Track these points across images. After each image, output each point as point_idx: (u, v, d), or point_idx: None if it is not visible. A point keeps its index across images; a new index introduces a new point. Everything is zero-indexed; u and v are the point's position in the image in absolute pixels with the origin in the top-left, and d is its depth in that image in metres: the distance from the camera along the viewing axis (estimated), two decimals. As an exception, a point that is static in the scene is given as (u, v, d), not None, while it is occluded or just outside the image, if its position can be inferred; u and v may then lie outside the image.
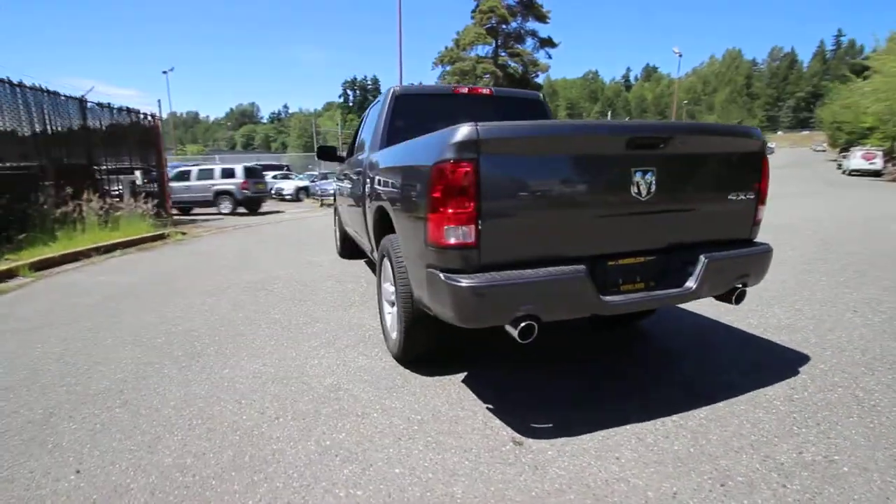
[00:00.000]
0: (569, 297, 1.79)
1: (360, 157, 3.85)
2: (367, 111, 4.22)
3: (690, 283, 1.99)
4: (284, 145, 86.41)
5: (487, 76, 18.60)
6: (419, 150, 1.95)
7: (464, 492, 1.60)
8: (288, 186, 19.75)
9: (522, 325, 1.72)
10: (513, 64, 18.99)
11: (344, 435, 1.96)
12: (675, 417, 2.05)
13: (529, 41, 19.07)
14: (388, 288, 2.82)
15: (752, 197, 2.18)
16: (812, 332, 2.98)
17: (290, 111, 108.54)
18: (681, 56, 30.74)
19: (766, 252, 2.19)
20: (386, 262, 2.72)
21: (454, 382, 2.41)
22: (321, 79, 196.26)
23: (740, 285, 2.12)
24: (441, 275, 1.76)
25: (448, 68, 19.98)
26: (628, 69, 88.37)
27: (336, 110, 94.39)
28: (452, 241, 1.73)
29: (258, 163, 23.70)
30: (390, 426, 2.02)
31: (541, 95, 3.78)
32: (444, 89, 3.55)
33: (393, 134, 3.27)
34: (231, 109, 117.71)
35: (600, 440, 1.89)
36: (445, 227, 1.73)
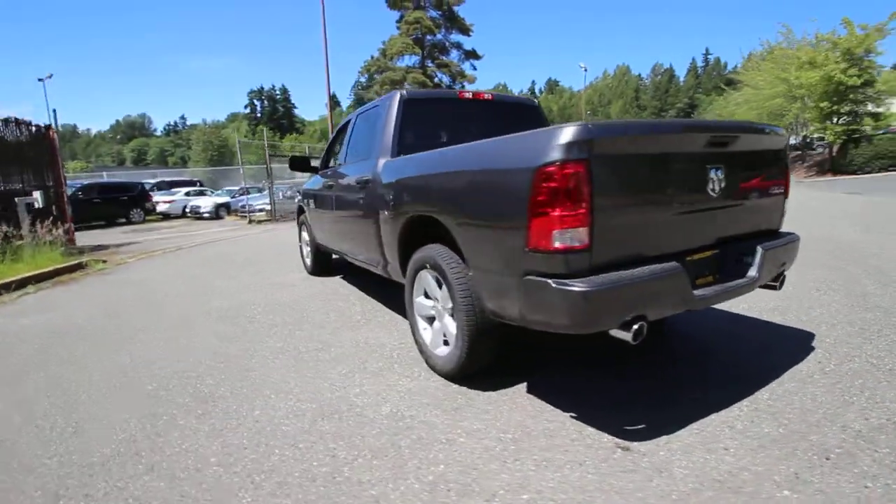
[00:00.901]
0: (672, 294, 1.80)
1: (353, 167, 3.61)
2: (353, 118, 3.98)
3: (753, 273, 2.10)
4: (184, 159, 79.33)
5: (415, 86, 18.70)
6: (507, 152, 1.85)
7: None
8: (205, 203, 18.09)
9: (636, 326, 1.69)
10: (441, 75, 19.29)
11: (443, 467, 1.78)
12: (745, 403, 2.14)
13: (455, 53, 19.59)
14: (424, 302, 2.66)
15: (781, 191, 2.38)
16: (798, 311, 3.32)
17: (188, 122, 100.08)
18: (586, 70, 33.45)
19: (797, 240, 2.40)
20: (425, 275, 2.57)
21: (519, 394, 2.32)
22: (223, 88, 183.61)
23: (783, 271, 2.29)
24: (551, 282, 1.68)
25: (378, 77, 19.68)
26: (533, 82, 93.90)
27: (241, 121, 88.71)
28: (563, 245, 1.66)
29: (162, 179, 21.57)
30: (486, 449, 1.88)
31: (536, 101, 3.84)
32: (449, 94, 3.47)
33: (403, 140, 3.12)
34: (117, 121, 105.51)
35: (696, 433, 1.92)
36: (555, 232, 1.65)
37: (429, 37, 18.14)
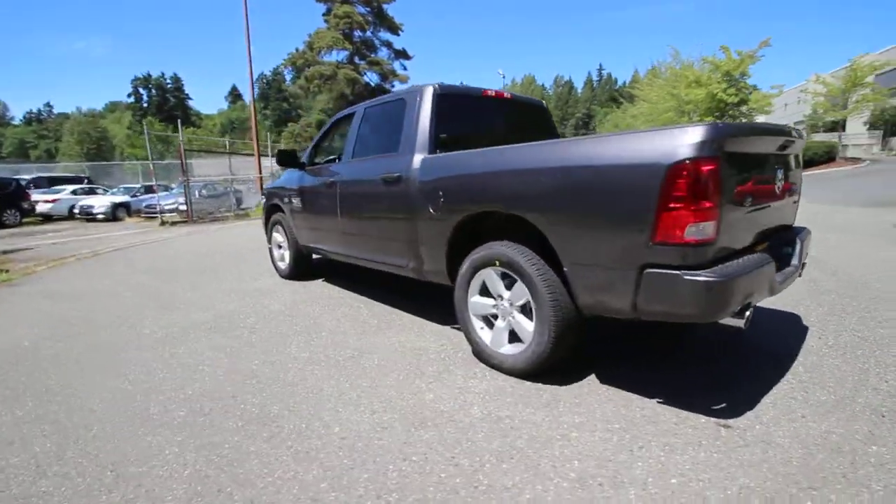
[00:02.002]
0: (768, 282, 1.98)
1: (369, 164, 3.43)
2: (359, 110, 3.76)
3: (795, 261, 2.38)
4: (51, 152, 68.13)
5: (340, 83, 17.94)
6: (628, 149, 1.89)
7: (749, 481, 1.64)
8: (99, 203, 15.76)
9: (748, 312, 1.84)
10: (370, 74, 18.77)
11: (577, 462, 1.78)
12: (789, 377, 2.42)
13: (384, 51, 19.19)
14: (482, 301, 2.62)
15: (798, 189, 2.73)
16: (769, 298, 3.81)
17: (55, 110, 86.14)
18: (504, 76, 35.03)
19: (811, 233, 2.76)
20: (489, 273, 2.53)
21: (594, 386, 2.38)
22: (100, 73, 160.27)
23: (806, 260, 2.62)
24: (682, 273, 1.76)
25: (307, 71, 18.52)
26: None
27: (125, 111, 78.55)
28: (694, 238, 1.75)
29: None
30: (604, 440, 1.91)
31: (543, 102, 3.94)
32: (475, 91, 3.42)
33: (437, 136, 3.03)
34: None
35: (771, 406, 2.13)
36: (689, 225, 1.73)
37: (357, 32, 17.60)
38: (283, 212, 4.83)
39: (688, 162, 1.71)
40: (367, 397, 2.33)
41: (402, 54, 19.09)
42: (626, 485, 1.64)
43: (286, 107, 71.67)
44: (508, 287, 2.50)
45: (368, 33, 17.87)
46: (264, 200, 5.34)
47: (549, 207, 2.15)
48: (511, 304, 2.48)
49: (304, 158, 4.39)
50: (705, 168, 1.71)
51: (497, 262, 2.46)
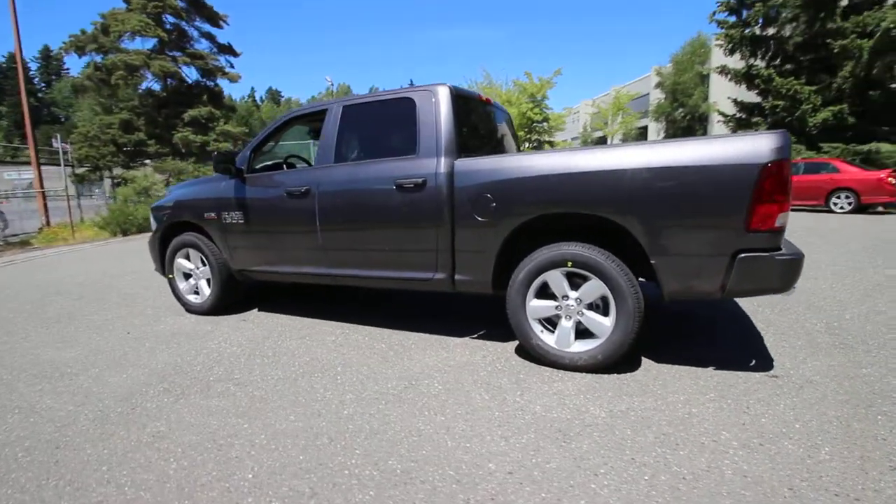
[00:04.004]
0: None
1: (368, 168, 3.06)
2: (333, 109, 3.27)
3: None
4: None
5: (160, 76, 14.43)
6: (720, 152, 2.15)
7: (823, 408, 2.08)
8: None
9: (796, 285, 2.32)
10: (187, 68, 15.74)
11: (725, 433, 1.97)
12: (765, 333, 3.10)
13: (205, 44, 16.35)
14: (543, 304, 2.65)
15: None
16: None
17: None
18: (332, 84, 33.96)
19: None
20: (554, 275, 2.56)
21: (654, 367, 2.63)
22: None
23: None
24: (773, 255, 2.12)
25: (101, 59, 14.29)
26: (253, 89, 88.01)
27: None
28: (780, 224, 2.13)
29: None
30: (719, 409, 2.15)
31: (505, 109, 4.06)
32: (475, 95, 3.33)
33: (459, 138, 2.90)
34: None
35: (780, 355, 2.71)
36: (780, 214, 2.10)
37: (169, 18, 14.61)
38: (200, 231, 3.86)
39: (775, 162, 2.08)
40: (476, 425, 2.11)
41: (227, 50, 16.63)
42: (779, 437, 1.90)
43: (35, 103, 55.79)
44: (573, 287, 2.57)
45: (184, 22, 15.12)
46: (157, 220, 4.16)
47: (640, 205, 2.31)
48: (579, 303, 2.56)
49: (238, 164, 3.60)
50: (785, 167, 2.11)
51: (569, 263, 2.51)
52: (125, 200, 12.23)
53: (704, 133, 29.82)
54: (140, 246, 10.04)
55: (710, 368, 2.59)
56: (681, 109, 33.55)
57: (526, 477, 1.74)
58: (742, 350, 2.84)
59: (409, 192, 2.87)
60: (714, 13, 16.59)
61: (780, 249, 2.19)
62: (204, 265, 3.95)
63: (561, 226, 2.68)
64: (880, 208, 10.46)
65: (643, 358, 2.74)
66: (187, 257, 4.03)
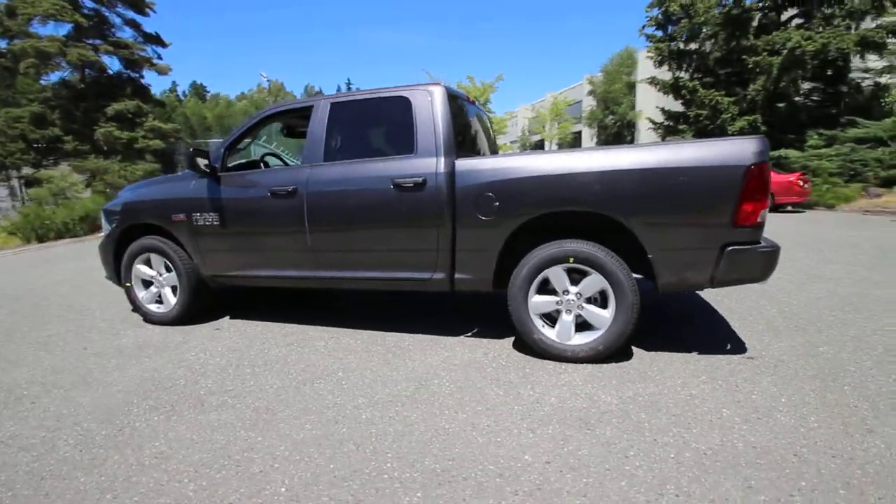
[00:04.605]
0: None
1: (363, 167, 3.00)
2: (320, 107, 3.15)
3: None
4: None
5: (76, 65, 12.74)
6: (708, 154, 2.34)
7: (802, 384, 2.35)
8: None
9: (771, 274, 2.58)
10: (108, 58, 14.20)
11: (725, 411, 2.15)
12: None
13: (128, 32, 14.83)
14: (544, 300, 2.75)
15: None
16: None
17: None
18: (268, 81, 32.50)
19: None
20: (556, 271, 2.67)
21: (646, 355, 2.81)
22: None
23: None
24: (756, 247, 2.36)
25: (5, 44, 12.42)
26: (174, 83, 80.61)
27: None
28: (762, 220, 2.36)
29: None
30: (715, 388, 2.35)
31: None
32: (463, 95, 3.35)
33: (455, 138, 2.92)
34: None
35: (764, 349, 2.99)
36: (762, 210, 2.34)
37: (86, 1, 13.11)
38: (165, 234, 3.56)
39: (757, 164, 2.31)
40: (500, 420, 2.15)
41: (154, 39, 15.19)
42: (772, 411, 2.11)
43: None
44: (574, 282, 2.69)
45: (104, 8, 13.67)
46: (110, 222, 3.78)
47: (641, 203, 2.46)
48: (579, 297, 2.68)
49: (212, 162, 3.36)
50: (766, 168, 2.34)
51: (571, 259, 2.61)
52: (40, 203, 10.92)
53: (633, 139, 31.96)
54: (65, 252, 9.04)
55: (695, 353, 2.80)
56: (611, 116, 35.77)
57: (564, 465, 1.80)
58: (715, 336, 3.11)
59: (408, 191, 2.85)
60: (644, 27, 17.91)
61: (760, 243, 2.44)
62: (168, 271, 3.66)
63: (556, 224, 2.78)
64: (790, 207, 11.80)
65: (633, 347, 2.91)
66: (148, 263, 3.71)
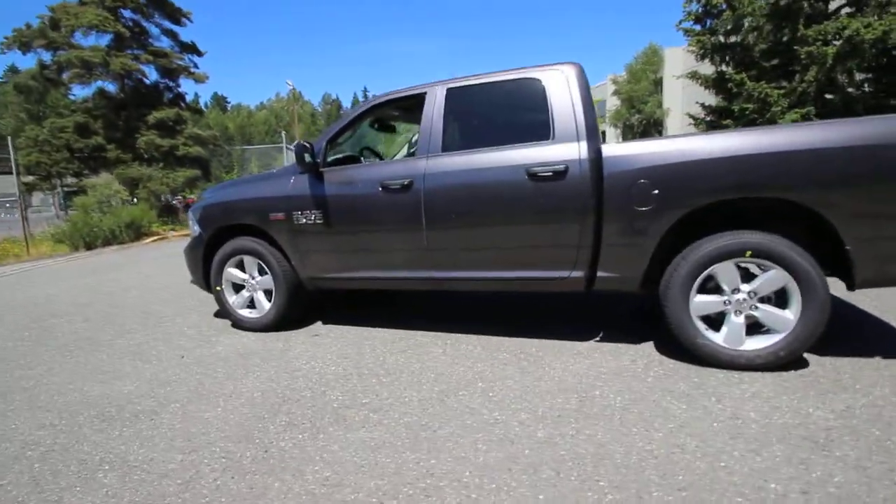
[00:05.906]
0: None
1: (488, 156, 2.74)
2: (438, 94, 2.90)
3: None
4: None
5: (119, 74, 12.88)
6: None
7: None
8: None
9: None
10: (146, 68, 14.38)
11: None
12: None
13: (166, 41, 15.03)
14: (707, 300, 2.43)
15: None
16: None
17: None
18: (293, 87, 32.78)
19: None
20: (726, 267, 2.34)
21: (812, 360, 2.47)
22: None
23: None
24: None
25: (51, 56, 12.69)
26: (196, 94, 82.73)
27: None
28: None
29: None
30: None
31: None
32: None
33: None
34: None
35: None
36: None
37: (127, 13, 13.28)
38: (257, 235, 3.36)
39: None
40: (706, 440, 1.83)
41: (191, 48, 15.40)
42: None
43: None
44: (745, 279, 2.37)
45: (143, 18, 13.84)
46: (199, 224, 3.59)
47: (842, 187, 2.13)
48: (753, 296, 2.35)
49: (310, 157, 3.13)
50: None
51: (748, 253, 2.29)
52: (86, 211, 10.98)
53: (662, 137, 31.18)
54: (117, 259, 8.99)
55: (878, 358, 2.45)
56: (637, 115, 35.06)
57: (827, 496, 1.48)
58: (888, 335, 2.74)
59: (546, 181, 2.57)
60: (681, 21, 17.34)
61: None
62: (262, 274, 3.44)
63: (710, 216, 2.45)
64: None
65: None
66: (240, 266, 3.50)
